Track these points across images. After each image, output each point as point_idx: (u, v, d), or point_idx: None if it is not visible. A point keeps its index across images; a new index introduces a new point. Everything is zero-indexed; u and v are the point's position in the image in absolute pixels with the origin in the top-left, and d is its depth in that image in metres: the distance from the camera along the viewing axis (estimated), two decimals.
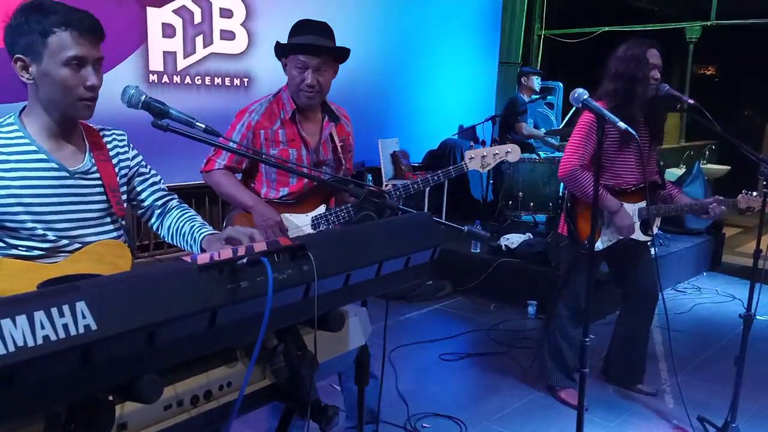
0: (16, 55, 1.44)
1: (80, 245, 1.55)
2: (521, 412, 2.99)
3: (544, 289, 4.14)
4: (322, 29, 2.21)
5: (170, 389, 1.08)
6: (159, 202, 1.76)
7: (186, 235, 1.69)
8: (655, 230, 3.03)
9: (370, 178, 5.69)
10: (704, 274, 5.47)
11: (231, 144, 2.08)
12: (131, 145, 1.72)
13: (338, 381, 2.52)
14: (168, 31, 4.59)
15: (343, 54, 2.24)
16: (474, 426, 2.84)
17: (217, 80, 4.91)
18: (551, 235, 4.52)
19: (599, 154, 2.13)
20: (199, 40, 4.78)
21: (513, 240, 4.77)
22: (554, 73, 6.94)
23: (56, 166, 1.52)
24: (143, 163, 1.75)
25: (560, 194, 5.15)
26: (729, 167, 6.96)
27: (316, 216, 2.30)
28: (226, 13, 4.91)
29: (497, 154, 2.19)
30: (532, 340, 3.76)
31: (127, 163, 1.70)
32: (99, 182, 1.59)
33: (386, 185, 2.34)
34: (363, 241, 1.28)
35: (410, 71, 6.43)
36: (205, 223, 1.72)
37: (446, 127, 6.56)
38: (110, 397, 0.98)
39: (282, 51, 2.24)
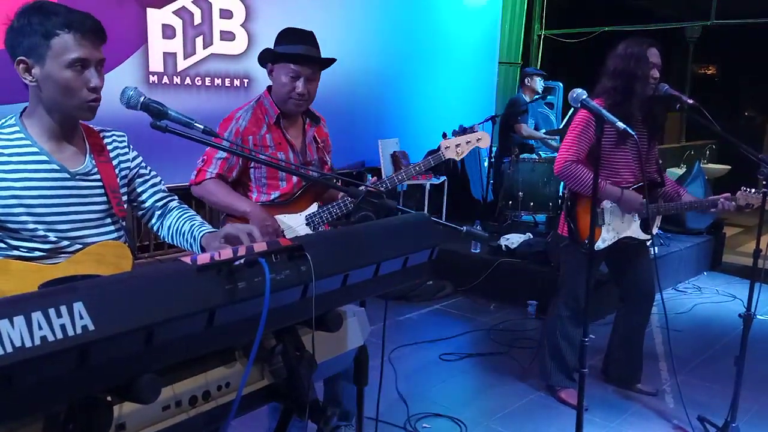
0: (18, 57, 1.44)
1: (81, 246, 1.55)
2: (521, 412, 2.99)
3: (544, 288, 4.14)
4: (312, 39, 2.25)
5: (168, 390, 1.08)
6: (159, 203, 1.76)
7: (186, 234, 1.70)
8: (656, 230, 3.03)
9: (370, 177, 5.70)
10: (705, 273, 5.47)
11: (224, 148, 2.07)
12: (131, 147, 1.73)
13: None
14: (168, 32, 4.60)
15: (330, 64, 2.29)
16: (474, 426, 2.84)
17: (217, 81, 4.92)
18: (551, 235, 4.52)
19: (598, 152, 2.13)
20: (199, 41, 4.78)
21: (513, 240, 4.77)
22: (554, 72, 6.94)
23: (57, 167, 1.53)
24: (143, 164, 1.75)
25: (560, 194, 5.15)
26: (729, 167, 6.96)
27: (310, 214, 2.31)
28: (226, 14, 4.92)
29: (469, 141, 2.27)
30: (532, 340, 3.76)
31: (128, 164, 1.70)
32: (100, 183, 1.60)
33: (373, 179, 2.37)
34: (361, 241, 1.29)
35: (410, 71, 6.43)
36: (205, 222, 1.73)
37: (446, 127, 6.56)
38: (108, 398, 0.99)
39: (272, 58, 2.24)
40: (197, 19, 4.75)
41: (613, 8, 8.50)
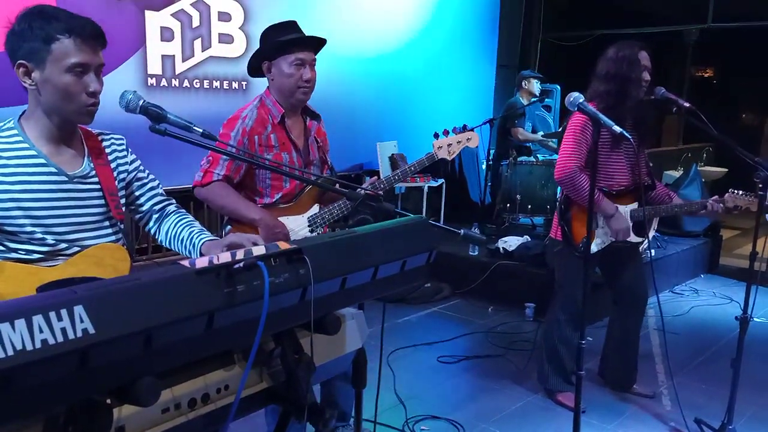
0: (18, 61, 1.45)
1: (79, 249, 1.56)
2: (519, 415, 3.00)
3: (541, 291, 4.14)
4: (298, 26, 2.27)
5: (168, 392, 1.09)
6: (157, 207, 1.77)
7: (185, 240, 1.70)
8: (652, 233, 3.04)
9: (368, 178, 5.70)
10: (702, 276, 5.48)
11: (227, 153, 2.07)
12: (129, 150, 1.74)
13: None
14: (166, 34, 4.60)
15: (323, 45, 2.30)
16: (472, 428, 2.84)
17: (216, 83, 4.92)
18: (548, 238, 4.54)
19: (595, 157, 2.14)
20: (198, 43, 4.79)
21: (511, 243, 4.78)
22: (552, 75, 6.95)
23: (55, 170, 1.53)
24: (141, 167, 1.76)
25: (557, 197, 5.16)
26: (726, 169, 6.98)
27: (311, 216, 2.31)
28: (225, 17, 4.93)
29: (460, 141, 2.35)
30: (529, 343, 3.76)
31: (126, 167, 1.71)
32: (98, 186, 1.61)
33: (372, 180, 2.42)
34: (359, 245, 1.29)
35: (408, 74, 6.44)
36: (204, 229, 1.74)
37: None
38: (108, 400, 0.99)
39: (272, 51, 2.23)
40: (195, 22, 4.76)
41: (610, 11, 8.53)
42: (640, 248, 3.03)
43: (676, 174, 6.08)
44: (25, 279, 1.46)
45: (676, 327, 4.19)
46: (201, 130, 1.49)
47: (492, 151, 5.89)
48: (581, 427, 2.20)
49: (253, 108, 2.28)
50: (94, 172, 1.60)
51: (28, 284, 1.41)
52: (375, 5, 6.02)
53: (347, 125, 5.67)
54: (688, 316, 4.47)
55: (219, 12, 4.88)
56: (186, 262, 1.03)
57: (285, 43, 2.21)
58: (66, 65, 1.44)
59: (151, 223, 1.77)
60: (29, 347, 0.81)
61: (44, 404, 0.88)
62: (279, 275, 1.11)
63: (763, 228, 2.65)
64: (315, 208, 2.33)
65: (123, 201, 1.69)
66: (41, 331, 0.82)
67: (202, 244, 1.65)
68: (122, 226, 1.67)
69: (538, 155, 5.73)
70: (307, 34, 2.26)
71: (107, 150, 1.67)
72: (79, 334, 0.85)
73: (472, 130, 2.39)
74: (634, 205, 2.89)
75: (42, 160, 1.52)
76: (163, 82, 4.63)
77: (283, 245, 1.17)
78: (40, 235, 1.50)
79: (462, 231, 1.63)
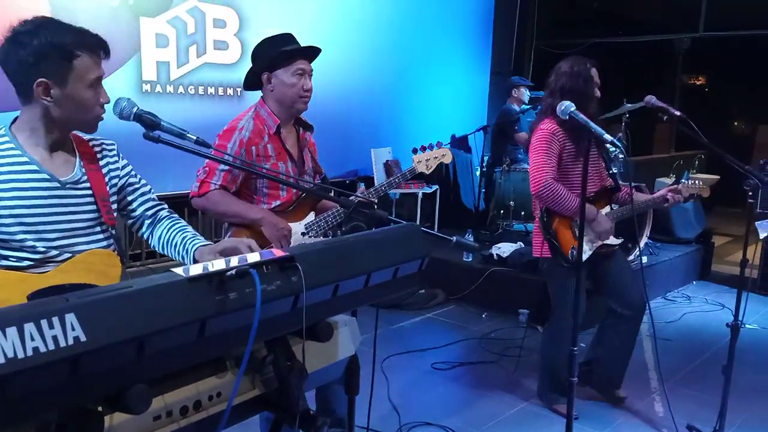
0: (39, 80, 1.44)
1: (70, 255, 1.56)
2: (512, 421, 3.00)
3: (535, 297, 4.16)
4: (296, 39, 2.31)
5: (159, 400, 1.09)
6: (149, 212, 1.77)
7: (178, 245, 1.70)
8: (645, 240, 3.07)
9: (362, 185, 5.71)
10: (694, 282, 5.51)
11: (225, 161, 2.08)
12: (121, 155, 1.74)
13: None
14: (161, 41, 4.61)
15: (318, 54, 2.36)
16: None
17: (211, 90, 4.93)
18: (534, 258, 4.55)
19: (586, 165, 2.15)
20: (193, 50, 4.79)
21: (504, 249, 4.79)
22: (545, 83, 7.00)
23: (47, 176, 1.53)
24: (133, 172, 1.76)
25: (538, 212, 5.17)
26: (718, 177, 7.02)
27: (308, 223, 2.33)
28: (220, 24, 4.94)
29: (437, 157, 2.50)
30: (523, 349, 3.77)
31: (117, 172, 1.71)
32: (89, 192, 1.61)
33: (360, 189, 2.51)
34: (351, 252, 1.30)
35: (403, 81, 6.47)
36: (197, 234, 1.74)
37: (438, 136, 6.56)
38: (99, 408, 0.99)
39: (275, 61, 2.25)
40: (191, 29, 4.77)
41: (603, 20, 8.60)
42: (631, 255, 3.05)
43: (669, 181, 6.10)
44: (16, 286, 1.46)
45: (669, 333, 4.20)
46: (195, 138, 1.49)
47: (486, 158, 5.91)
48: None
49: (249, 119, 2.28)
50: (85, 178, 1.60)
51: (19, 292, 1.41)
52: (368, 13, 6.05)
53: (342, 132, 5.68)
54: (681, 323, 4.49)
55: (214, 19, 4.90)
56: (178, 270, 1.04)
57: (288, 53, 2.24)
58: (89, 81, 1.49)
59: (144, 228, 1.77)
60: (20, 355, 0.81)
61: (35, 412, 0.88)
62: (271, 282, 1.12)
63: (753, 235, 2.67)
64: (311, 216, 2.34)
65: (115, 206, 1.69)
66: (32, 339, 0.82)
67: (196, 249, 1.65)
68: (114, 232, 1.67)
69: None
70: (302, 45, 2.29)
71: (98, 155, 1.67)
72: (71, 341, 0.85)
73: (447, 146, 2.56)
74: (607, 209, 2.97)
75: (34, 167, 1.52)
76: (158, 89, 4.63)
77: (277, 252, 1.17)
78: (31, 242, 1.50)
79: (455, 238, 1.64)
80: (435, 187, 6.03)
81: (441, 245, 1.62)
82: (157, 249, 1.76)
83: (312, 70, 2.30)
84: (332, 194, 2.13)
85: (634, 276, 3.08)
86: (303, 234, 2.31)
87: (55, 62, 1.44)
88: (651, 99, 2.76)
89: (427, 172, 2.51)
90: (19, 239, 1.49)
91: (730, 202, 7.56)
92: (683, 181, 2.96)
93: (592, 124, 2.11)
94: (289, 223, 2.30)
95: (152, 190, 1.80)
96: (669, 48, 8.23)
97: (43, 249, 1.51)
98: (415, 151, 2.50)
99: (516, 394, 3.26)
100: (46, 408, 0.88)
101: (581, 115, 2.15)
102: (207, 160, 2.17)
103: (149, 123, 1.48)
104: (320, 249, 1.25)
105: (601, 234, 2.88)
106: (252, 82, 2.35)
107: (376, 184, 2.44)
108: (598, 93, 2.84)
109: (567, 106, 2.17)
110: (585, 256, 2.87)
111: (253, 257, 1.13)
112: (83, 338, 0.86)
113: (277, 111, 2.29)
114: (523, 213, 5.31)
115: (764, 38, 7.16)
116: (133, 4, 4.40)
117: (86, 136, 1.67)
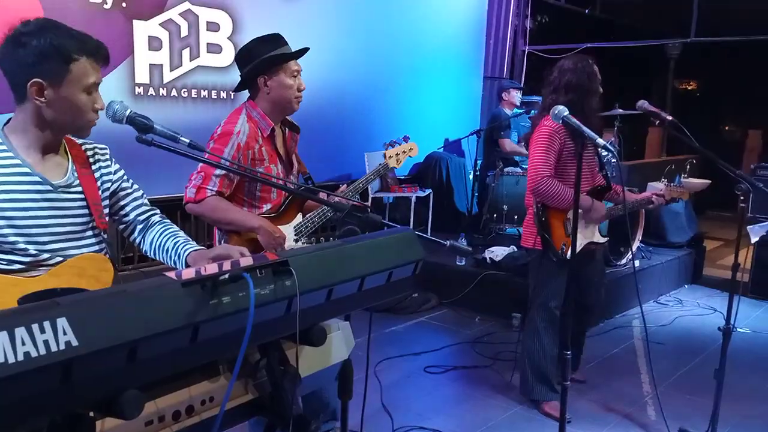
0: (33, 79, 1.44)
1: (62, 259, 1.55)
2: (505, 425, 3.00)
3: (528, 301, 4.16)
4: (285, 39, 2.33)
5: (152, 404, 1.08)
6: (141, 217, 1.76)
7: (170, 251, 1.69)
8: (637, 243, 3.09)
9: (345, 185, 5.71)
10: (686, 286, 5.54)
11: (221, 166, 2.06)
12: (113, 160, 1.73)
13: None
14: (154, 43, 4.59)
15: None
16: None
17: (204, 93, 4.91)
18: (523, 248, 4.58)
19: (579, 164, 2.16)
20: (186, 53, 4.78)
21: (497, 253, 4.79)
22: (537, 87, 7.04)
23: (40, 179, 1.52)
24: (125, 177, 1.75)
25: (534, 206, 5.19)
26: (710, 181, 7.07)
27: (297, 225, 2.33)
28: (213, 27, 4.93)
29: (405, 151, 2.60)
30: (516, 353, 3.77)
31: (110, 177, 1.70)
32: (81, 196, 1.60)
33: (341, 188, 2.56)
34: (345, 256, 1.30)
35: (396, 85, 6.47)
36: (189, 239, 1.73)
37: (432, 140, 6.60)
38: (91, 413, 0.98)
39: (273, 64, 2.25)
40: (184, 32, 4.76)
41: (595, 25, 8.66)
42: (624, 259, 3.08)
43: (660, 185, 6.15)
44: (7, 290, 1.45)
45: (661, 337, 4.22)
46: (188, 141, 1.49)
47: (479, 162, 5.93)
48: None
49: (243, 121, 2.26)
50: (77, 182, 1.60)
51: (10, 295, 1.40)
52: (361, 16, 6.06)
53: (335, 135, 5.68)
54: (672, 327, 4.51)
55: (207, 22, 4.89)
56: (171, 274, 1.03)
57: (289, 56, 2.25)
58: (84, 85, 1.48)
59: (136, 234, 1.76)
60: (11, 360, 0.80)
61: (26, 417, 0.87)
62: (265, 287, 1.11)
63: (745, 239, 2.69)
64: (299, 218, 2.35)
65: (107, 211, 1.68)
66: (23, 344, 0.82)
67: (188, 254, 1.65)
68: (106, 236, 1.66)
69: (524, 166, 5.77)
70: (290, 45, 2.31)
71: (91, 160, 1.66)
72: (62, 346, 0.85)
73: (406, 137, 2.63)
74: None
75: (27, 170, 1.51)
76: (151, 91, 4.61)
77: (271, 256, 1.17)
78: (22, 245, 1.49)
79: (449, 242, 1.64)
80: (428, 191, 6.04)
81: (434, 249, 1.63)
82: (148, 254, 1.75)
83: (300, 69, 2.32)
84: (326, 198, 2.13)
85: (602, 281, 3.18)
86: (295, 240, 2.31)
87: (53, 64, 1.44)
88: (643, 104, 2.78)
89: (398, 167, 2.59)
90: (11, 242, 1.48)
91: (721, 206, 7.63)
92: (665, 183, 3.10)
93: (584, 128, 2.12)
94: (280, 227, 2.30)
95: (144, 195, 1.79)
96: (660, 53, 8.30)
97: (35, 252, 1.50)
98: (386, 146, 2.56)
99: (509, 397, 3.27)
100: (37, 413, 0.87)
101: (574, 120, 2.16)
102: (201, 165, 2.15)
103: (142, 126, 1.48)
104: (314, 253, 1.25)
105: (600, 220, 2.98)
106: (245, 85, 2.34)
107: (370, 190, 2.47)
108: (600, 90, 2.88)
109: (560, 110, 2.18)
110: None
111: (247, 261, 1.13)
112: (75, 343, 0.86)
113: (270, 112, 2.28)
114: (516, 217, 5.32)
115: (755, 44, 7.23)
116: (126, 7, 4.39)
117: (79, 140, 1.66)
